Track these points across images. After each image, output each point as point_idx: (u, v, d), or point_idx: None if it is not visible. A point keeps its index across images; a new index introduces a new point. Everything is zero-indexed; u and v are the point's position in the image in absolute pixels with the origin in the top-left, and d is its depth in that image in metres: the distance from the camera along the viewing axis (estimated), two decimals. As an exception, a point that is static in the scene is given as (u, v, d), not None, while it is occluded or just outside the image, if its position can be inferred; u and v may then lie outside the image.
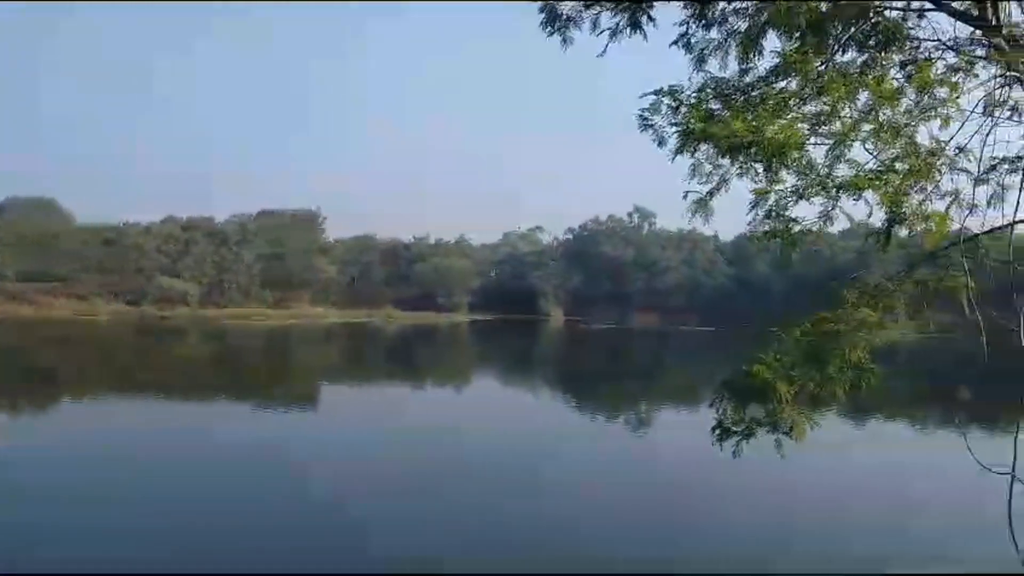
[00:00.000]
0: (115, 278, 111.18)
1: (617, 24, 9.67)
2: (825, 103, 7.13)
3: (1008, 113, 9.20)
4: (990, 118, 8.54)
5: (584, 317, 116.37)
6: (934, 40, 9.54)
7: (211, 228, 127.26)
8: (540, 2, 9.57)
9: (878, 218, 7.85)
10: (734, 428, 7.08)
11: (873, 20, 9.50)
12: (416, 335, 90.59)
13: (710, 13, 9.59)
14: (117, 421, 28.63)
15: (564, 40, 9.79)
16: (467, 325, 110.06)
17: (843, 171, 6.98)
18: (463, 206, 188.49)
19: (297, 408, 33.98)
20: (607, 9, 9.45)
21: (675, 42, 9.64)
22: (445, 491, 18.67)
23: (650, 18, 9.44)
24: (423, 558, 13.81)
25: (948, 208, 7.92)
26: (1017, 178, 8.84)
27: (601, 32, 9.75)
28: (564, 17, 9.70)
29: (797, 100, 7.44)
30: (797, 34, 9.00)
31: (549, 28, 9.80)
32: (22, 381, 41.22)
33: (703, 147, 7.45)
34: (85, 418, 30.12)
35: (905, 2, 9.41)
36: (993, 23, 8.00)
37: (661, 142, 7.93)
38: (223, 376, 46.49)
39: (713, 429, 7.23)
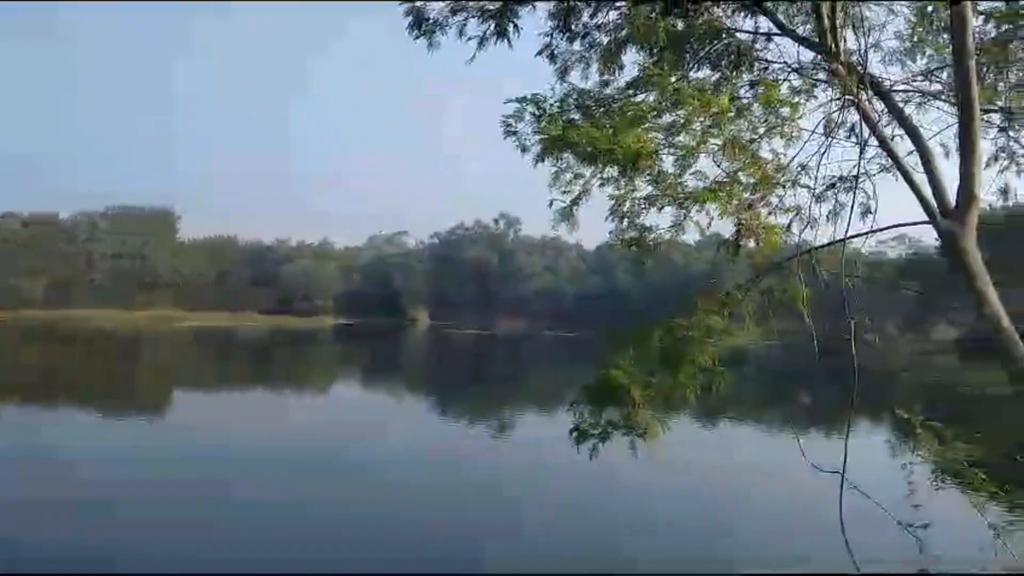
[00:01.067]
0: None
1: (484, 32, 9.78)
2: (679, 115, 7.41)
3: (845, 134, 9.90)
4: (828, 138, 9.16)
5: (449, 322, 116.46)
6: (780, 62, 10.17)
7: (55, 224, 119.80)
8: (407, 3, 9.48)
9: (726, 229, 8.28)
10: (591, 431, 7.23)
11: (725, 41, 10.02)
12: (276, 339, 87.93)
13: (574, 26, 9.85)
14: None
15: (430, 44, 9.83)
16: (330, 329, 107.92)
17: (692, 182, 7.28)
18: (327, 208, 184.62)
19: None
20: (474, 16, 9.54)
21: (540, 52, 9.85)
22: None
23: (516, 27, 9.59)
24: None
25: (790, 222, 8.40)
26: (852, 195, 9.51)
27: (469, 39, 9.87)
28: (431, 21, 9.72)
29: (654, 112, 7.70)
30: (656, 50, 9.40)
31: (416, 32, 9.81)
32: None
33: (564, 155, 7.59)
34: None
35: (754, 26, 9.98)
36: (832, 50, 8.55)
37: (524, 149, 8.06)
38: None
39: (571, 432, 7.37)
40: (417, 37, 9.83)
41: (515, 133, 7.99)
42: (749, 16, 10.10)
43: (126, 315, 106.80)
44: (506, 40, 9.48)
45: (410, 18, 9.81)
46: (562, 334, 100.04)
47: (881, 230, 9.22)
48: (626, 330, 8.40)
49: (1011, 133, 11.48)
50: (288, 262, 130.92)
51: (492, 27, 9.48)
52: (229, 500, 18.15)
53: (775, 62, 10.17)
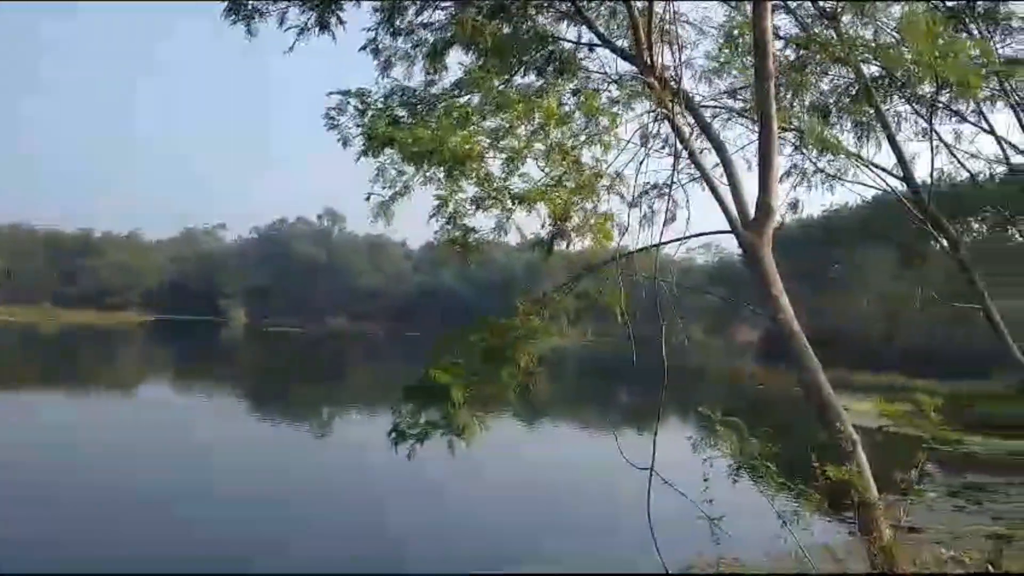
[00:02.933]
0: None
1: (306, 22, 9.53)
2: (504, 120, 7.50)
3: (660, 145, 10.41)
4: (644, 148, 9.58)
5: (268, 319, 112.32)
6: (601, 72, 10.56)
7: None
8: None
9: (545, 232, 8.48)
10: (409, 431, 7.16)
11: (550, 48, 10.28)
12: (80, 337, 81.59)
13: (399, 23, 9.79)
14: None
15: (249, 31, 9.47)
16: (140, 326, 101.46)
17: (518, 185, 7.38)
18: (137, 198, 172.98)
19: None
20: (295, 5, 9.28)
21: (364, 47, 9.72)
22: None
23: (339, 20, 9.41)
24: None
25: (608, 225, 8.69)
26: (664, 204, 10.00)
27: (289, 28, 9.58)
28: (250, 7, 9.36)
29: (479, 115, 7.75)
30: (482, 53, 9.49)
31: (233, 17, 9.41)
32: None
33: (387, 152, 7.49)
34: None
35: (577, 35, 10.32)
36: (648, 64, 8.95)
37: (346, 143, 7.90)
38: None
39: (389, 433, 7.27)
40: (234, 22, 9.45)
41: (337, 126, 7.82)
42: (573, 26, 10.45)
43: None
44: (329, 32, 9.31)
45: (227, 2, 9.43)
46: (388, 333, 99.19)
47: (690, 237, 9.72)
48: (452, 329, 8.38)
49: (803, 152, 12.51)
50: (92, 254, 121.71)
51: (314, 18, 9.27)
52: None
53: (597, 72, 10.58)
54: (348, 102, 7.62)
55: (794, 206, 14.28)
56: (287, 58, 9.68)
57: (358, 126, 7.47)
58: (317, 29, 9.23)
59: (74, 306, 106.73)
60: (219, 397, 42.36)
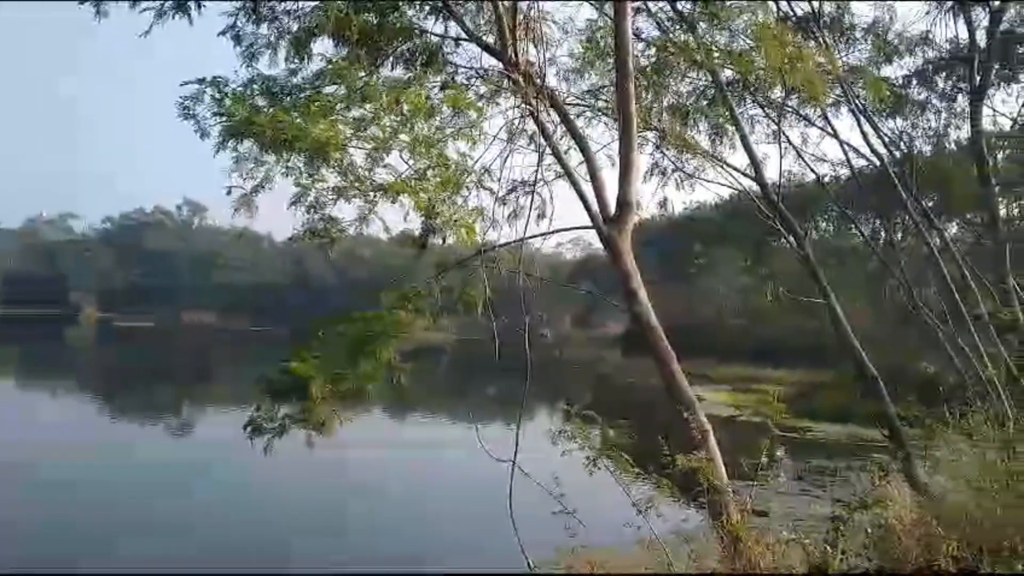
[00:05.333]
0: None
1: (162, 5, 9.09)
2: (368, 110, 7.40)
3: (526, 142, 10.54)
4: (510, 144, 9.68)
5: (123, 314, 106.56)
6: (468, 67, 10.57)
7: None
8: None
9: (417, 225, 8.44)
10: (267, 425, 6.99)
11: (417, 41, 10.22)
12: None
13: (262, 8, 9.47)
14: None
15: (98, 12, 8.96)
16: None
17: (382, 176, 7.31)
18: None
19: None
20: (150, -16, 8.82)
21: (223, 32, 9.35)
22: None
23: (198, 3, 9.02)
24: None
25: (474, 221, 8.73)
26: (530, 200, 10.14)
27: (144, 11, 9.11)
28: (99, -16, 8.85)
29: (343, 105, 7.62)
30: (348, 43, 9.32)
31: (81, -5, 8.87)
32: None
33: (247, 143, 7.25)
34: None
35: (444, 29, 10.28)
36: (513, 60, 9.03)
37: (204, 134, 7.61)
38: None
39: (245, 426, 7.08)
40: (83, 1, 8.92)
41: (194, 116, 7.52)
42: (440, 20, 10.41)
43: None
44: (187, 16, 8.91)
45: (75, -20, 8.89)
46: (253, 328, 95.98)
47: (554, 232, 9.93)
48: (317, 323, 8.24)
49: (663, 151, 12.96)
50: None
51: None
52: None
53: (463, 66, 10.59)
54: (205, 91, 7.32)
55: (663, 204, 14.80)
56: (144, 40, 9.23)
57: (216, 115, 7.18)
58: (174, 13, 8.80)
59: None
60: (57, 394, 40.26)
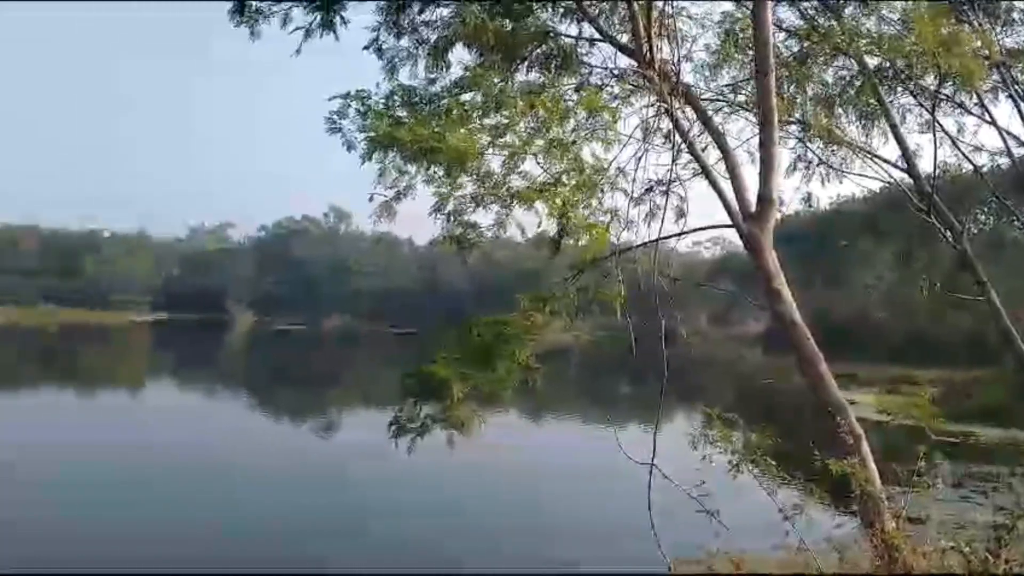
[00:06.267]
0: None
1: (310, 23, 9.54)
2: (504, 116, 7.53)
3: (660, 140, 10.41)
4: (644, 143, 9.59)
5: (273, 318, 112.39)
6: (602, 68, 10.55)
7: None
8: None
9: (550, 229, 8.51)
10: (409, 425, 7.22)
11: (551, 45, 10.29)
12: (78, 337, 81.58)
13: (403, 21, 9.79)
14: None
15: (252, 32, 9.51)
16: (144, 326, 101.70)
17: (517, 182, 7.43)
18: (145, 196, 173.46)
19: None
20: (299, 6, 9.29)
21: (367, 47, 9.73)
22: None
23: (343, 20, 9.42)
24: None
25: (609, 223, 8.72)
26: (665, 199, 10.00)
27: (294, 30, 9.60)
28: (254, 9, 9.39)
29: (479, 112, 7.78)
30: (484, 50, 9.51)
31: (237, 18, 9.44)
32: None
33: (390, 153, 7.53)
34: None
35: (578, 31, 10.31)
36: (648, 58, 8.95)
37: (350, 147, 7.93)
38: None
39: (389, 425, 7.33)
40: (238, 24, 9.48)
41: (340, 130, 7.85)
42: (574, 22, 10.44)
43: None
44: (332, 32, 9.32)
45: (232, 3, 9.46)
46: (393, 331, 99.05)
47: (691, 232, 9.77)
48: (453, 326, 8.44)
49: (807, 144, 12.50)
50: (97, 252, 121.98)
51: (318, 18, 9.28)
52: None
53: (598, 67, 10.58)
54: (349, 105, 7.64)
55: (807, 199, 14.27)
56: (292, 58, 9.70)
57: (360, 130, 7.49)
58: (321, 30, 9.23)
59: (78, 305, 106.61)
60: (222, 395, 42.63)
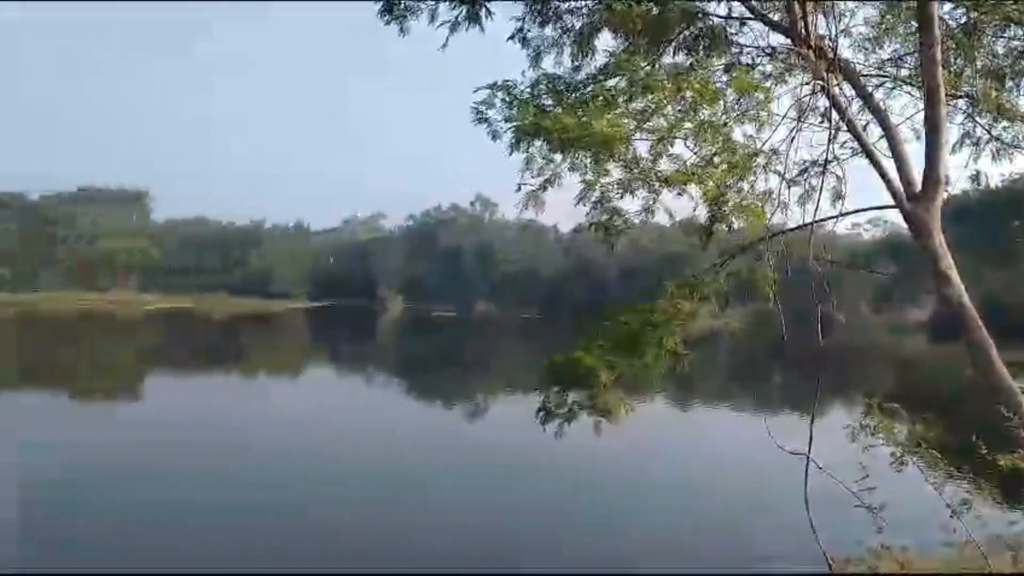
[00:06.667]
0: None
1: (456, 17, 9.78)
2: (651, 100, 7.45)
3: (816, 119, 10.00)
4: (798, 123, 9.25)
5: (423, 305, 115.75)
6: (753, 47, 10.24)
7: (22, 205, 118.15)
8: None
9: (702, 214, 8.37)
10: (556, 411, 7.30)
11: (699, 26, 10.08)
12: (246, 323, 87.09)
13: (546, 10, 9.86)
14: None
15: (401, 29, 9.84)
16: (302, 312, 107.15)
17: (666, 166, 7.34)
18: (303, 190, 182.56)
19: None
20: (445, 1, 9.54)
21: (511, 37, 9.87)
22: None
23: (488, 12, 9.59)
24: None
25: (762, 207, 8.49)
26: (821, 180, 9.63)
27: (441, 25, 9.86)
28: (402, 6, 9.71)
29: (625, 97, 7.74)
30: (630, 35, 9.44)
31: (387, 16, 9.80)
32: None
33: (536, 142, 7.61)
34: None
35: (727, 11, 10.05)
36: (803, 35, 8.63)
37: (495, 136, 8.05)
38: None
39: (537, 412, 7.44)
40: (388, 22, 9.83)
41: (487, 120, 7.98)
42: (723, 1, 10.19)
43: (93, 297, 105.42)
44: (478, 25, 9.51)
45: (381, 3, 9.82)
46: (539, 317, 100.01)
47: (848, 214, 9.36)
48: (598, 314, 8.45)
49: (976, 119, 11.66)
50: (260, 244, 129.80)
51: (464, 12, 9.49)
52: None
53: (748, 46, 10.28)
54: (495, 95, 7.76)
55: (975, 177, 13.33)
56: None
57: (506, 120, 7.60)
58: (467, 23, 9.45)
59: (242, 293, 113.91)
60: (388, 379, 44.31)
